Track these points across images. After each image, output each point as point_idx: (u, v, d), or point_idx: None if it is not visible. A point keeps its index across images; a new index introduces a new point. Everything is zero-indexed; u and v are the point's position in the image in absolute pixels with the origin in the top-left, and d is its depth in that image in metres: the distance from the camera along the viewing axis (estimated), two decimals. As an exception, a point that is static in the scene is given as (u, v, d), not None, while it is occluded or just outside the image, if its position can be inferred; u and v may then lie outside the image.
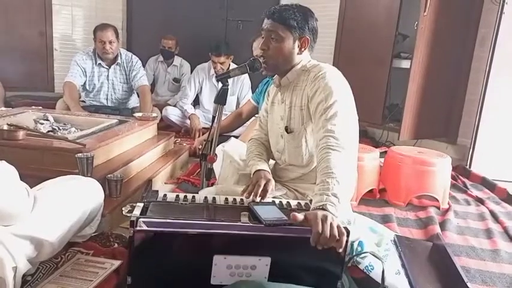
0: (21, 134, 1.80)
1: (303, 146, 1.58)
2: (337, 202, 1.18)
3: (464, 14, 3.13)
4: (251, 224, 1.19)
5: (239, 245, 1.14)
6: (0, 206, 1.05)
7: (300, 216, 1.12)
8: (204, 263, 1.13)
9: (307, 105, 1.50)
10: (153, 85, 4.23)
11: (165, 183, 2.31)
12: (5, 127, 1.84)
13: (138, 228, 1.10)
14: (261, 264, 1.14)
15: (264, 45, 1.51)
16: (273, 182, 1.50)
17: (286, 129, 1.59)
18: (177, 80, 4.20)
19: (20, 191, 1.12)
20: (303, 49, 1.53)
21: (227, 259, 1.12)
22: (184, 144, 3.04)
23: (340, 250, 1.09)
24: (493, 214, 2.18)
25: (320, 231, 1.06)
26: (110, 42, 3.09)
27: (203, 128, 3.44)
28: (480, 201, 2.38)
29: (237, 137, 2.46)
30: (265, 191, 1.44)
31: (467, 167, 2.96)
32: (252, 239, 1.14)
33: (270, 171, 1.59)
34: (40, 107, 2.61)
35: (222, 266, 1.13)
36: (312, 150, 1.59)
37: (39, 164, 1.71)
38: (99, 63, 3.21)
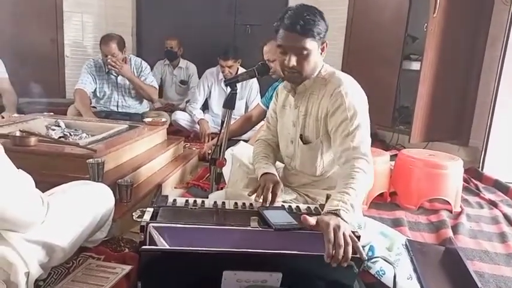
0: (33, 140, 1.82)
1: (318, 158, 1.57)
2: (352, 212, 1.19)
3: (475, 15, 3.10)
4: (261, 229, 1.19)
5: (250, 261, 1.11)
6: (16, 215, 1.06)
7: (312, 220, 1.11)
8: (213, 277, 1.10)
9: (325, 119, 1.49)
10: (160, 88, 4.27)
11: (174, 187, 2.32)
12: (18, 133, 1.86)
13: (144, 248, 1.08)
14: (272, 280, 1.11)
15: (295, 63, 1.44)
16: (281, 184, 1.49)
17: (301, 137, 1.57)
18: (183, 82, 4.24)
19: (35, 200, 1.13)
20: (323, 53, 1.51)
21: (237, 275, 1.09)
22: (194, 148, 3.05)
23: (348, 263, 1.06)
24: (506, 217, 2.14)
25: (332, 240, 1.06)
26: (114, 55, 3.09)
27: (212, 132, 3.45)
28: (493, 204, 2.35)
29: (246, 141, 2.47)
30: (274, 195, 1.44)
31: (480, 169, 2.92)
32: (263, 256, 1.10)
33: (276, 174, 1.58)
34: (52, 113, 2.64)
35: (232, 280, 1.10)
36: (326, 164, 1.58)
37: (51, 169, 1.73)
38: (108, 71, 3.24)
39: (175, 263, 1.08)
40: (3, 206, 1.02)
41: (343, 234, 1.08)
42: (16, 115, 2.69)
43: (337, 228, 1.09)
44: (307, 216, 1.12)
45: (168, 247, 1.12)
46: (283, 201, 1.49)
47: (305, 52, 1.43)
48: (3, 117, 2.79)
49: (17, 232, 1.09)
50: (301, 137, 1.58)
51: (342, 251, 1.05)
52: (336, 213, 1.15)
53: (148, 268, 1.08)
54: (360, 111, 1.44)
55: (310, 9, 1.44)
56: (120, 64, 3.08)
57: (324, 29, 1.44)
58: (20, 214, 1.07)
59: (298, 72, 1.47)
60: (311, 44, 1.42)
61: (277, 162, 1.79)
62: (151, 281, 1.10)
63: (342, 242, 1.06)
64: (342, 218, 1.14)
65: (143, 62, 3.35)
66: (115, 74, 3.25)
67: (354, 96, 1.46)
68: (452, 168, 2.20)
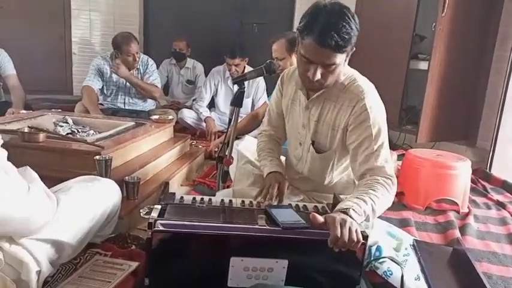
0: (41, 136, 1.83)
1: (329, 168, 1.55)
2: (363, 217, 1.18)
3: (484, 14, 3.07)
4: (268, 227, 1.18)
5: (256, 247, 1.14)
6: (25, 222, 1.06)
7: (321, 218, 1.11)
8: (220, 265, 1.13)
9: (343, 131, 1.42)
10: (166, 87, 4.28)
11: (181, 185, 2.32)
12: (26, 129, 1.87)
13: (156, 228, 1.10)
14: (278, 267, 1.13)
15: (321, 77, 1.32)
16: (286, 183, 1.49)
17: (313, 143, 1.53)
18: (190, 82, 4.24)
19: (42, 203, 1.12)
20: (347, 59, 1.37)
21: (244, 261, 1.12)
22: (200, 146, 3.05)
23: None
24: (514, 219, 2.12)
25: (339, 235, 1.06)
26: (137, 53, 3.18)
27: (219, 130, 3.45)
28: (501, 205, 2.33)
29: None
30: (281, 193, 1.43)
31: (487, 170, 2.90)
32: (269, 242, 1.14)
33: (282, 172, 1.56)
34: (59, 110, 2.65)
35: (239, 268, 1.13)
36: (336, 174, 1.57)
37: (59, 166, 1.73)
38: None
39: (184, 248, 1.12)
40: (13, 216, 1.02)
41: (349, 229, 1.07)
42: (24, 111, 2.71)
43: (343, 223, 1.08)
44: (316, 215, 1.12)
45: (178, 230, 1.13)
46: (291, 202, 1.49)
47: (333, 66, 1.30)
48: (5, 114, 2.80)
49: (29, 235, 1.10)
50: (313, 143, 1.52)
51: (346, 246, 1.06)
52: (345, 212, 1.15)
53: (159, 251, 1.10)
54: (384, 128, 1.38)
55: (344, 18, 1.24)
56: (118, 65, 3.12)
57: (356, 36, 1.28)
58: (29, 220, 1.06)
59: (321, 84, 1.36)
60: (341, 57, 1.29)
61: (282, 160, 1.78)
62: (160, 266, 1.12)
63: (346, 238, 1.05)
64: (350, 217, 1.13)
65: (150, 59, 3.37)
66: None
67: (378, 110, 1.38)
68: (460, 168, 2.18)
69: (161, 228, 1.12)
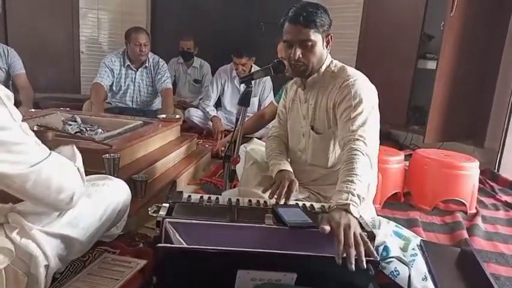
0: (50, 134, 1.83)
1: (331, 148, 1.59)
2: (359, 203, 1.20)
3: (493, 14, 3.05)
4: (276, 226, 1.19)
5: (264, 262, 1.10)
6: (61, 189, 1.08)
7: (328, 227, 1.10)
8: (227, 275, 1.10)
9: (333, 109, 1.52)
10: (173, 86, 4.30)
11: (187, 184, 2.33)
12: (35, 128, 1.88)
13: (160, 245, 1.09)
14: (287, 279, 1.10)
15: (301, 55, 1.49)
16: (296, 182, 1.49)
17: (313, 128, 1.60)
18: (197, 81, 4.25)
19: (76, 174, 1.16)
20: (329, 46, 1.54)
21: (251, 274, 1.09)
22: (207, 145, 3.06)
23: (364, 264, 1.03)
24: (523, 220, 2.11)
25: (342, 240, 1.05)
26: (145, 45, 3.20)
27: (225, 129, 3.46)
28: (509, 206, 2.32)
29: (259, 139, 2.46)
30: (289, 192, 1.44)
31: (495, 170, 2.88)
32: (277, 257, 1.09)
33: (292, 171, 1.58)
34: (68, 109, 2.68)
35: (246, 279, 1.10)
36: (338, 155, 1.58)
37: (68, 164, 1.74)
38: (128, 65, 3.28)
39: (189, 261, 1.09)
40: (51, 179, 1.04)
41: (354, 234, 1.07)
42: (32, 110, 2.73)
43: (347, 228, 1.08)
44: (324, 226, 1.10)
45: (183, 245, 1.12)
46: (296, 200, 1.49)
47: (309, 44, 1.47)
48: None
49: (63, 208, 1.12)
50: (312, 128, 1.61)
51: (353, 250, 1.04)
52: (345, 210, 1.15)
53: (164, 264, 1.09)
54: (366, 100, 1.45)
55: (312, 4, 1.48)
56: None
57: (328, 22, 1.48)
58: (62, 187, 1.08)
59: (304, 65, 1.51)
60: (315, 36, 1.46)
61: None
62: (166, 277, 1.11)
63: (352, 241, 1.05)
64: (351, 213, 1.14)
65: (160, 59, 3.39)
66: (134, 69, 3.30)
67: (361, 86, 1.48)
68: (468, 169, 2.17)
69: (169, 227, 1.12)
